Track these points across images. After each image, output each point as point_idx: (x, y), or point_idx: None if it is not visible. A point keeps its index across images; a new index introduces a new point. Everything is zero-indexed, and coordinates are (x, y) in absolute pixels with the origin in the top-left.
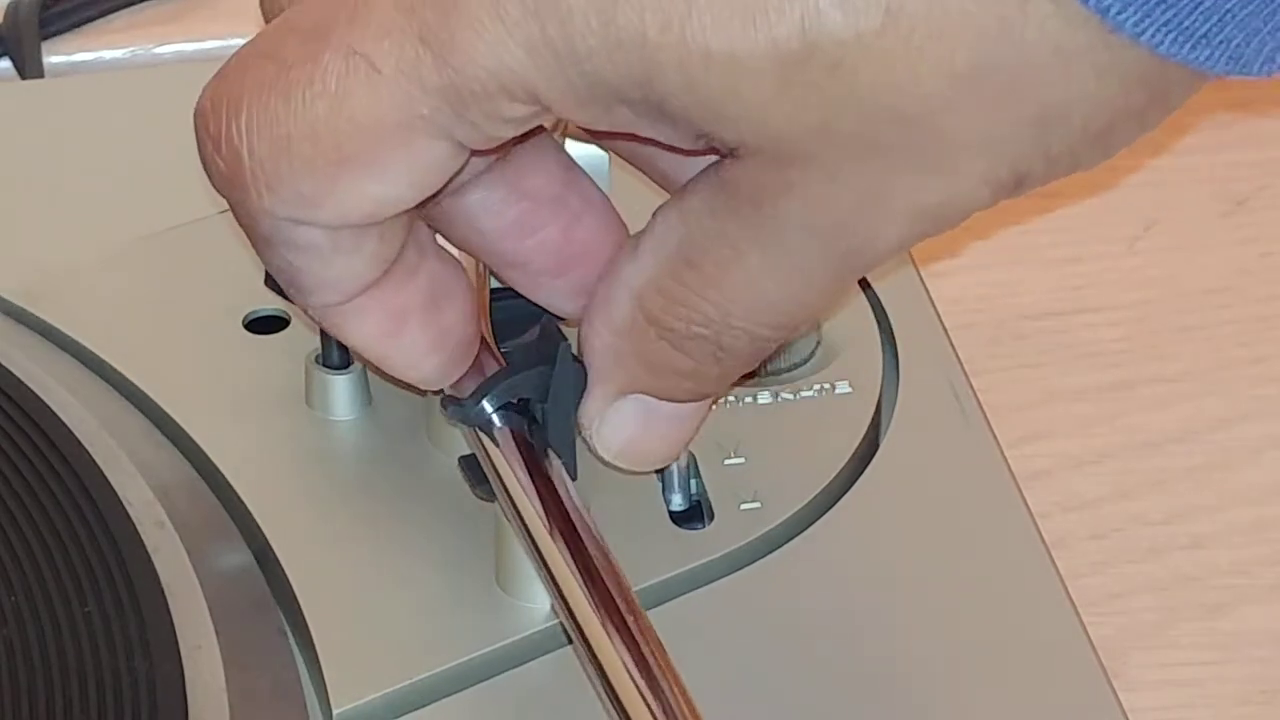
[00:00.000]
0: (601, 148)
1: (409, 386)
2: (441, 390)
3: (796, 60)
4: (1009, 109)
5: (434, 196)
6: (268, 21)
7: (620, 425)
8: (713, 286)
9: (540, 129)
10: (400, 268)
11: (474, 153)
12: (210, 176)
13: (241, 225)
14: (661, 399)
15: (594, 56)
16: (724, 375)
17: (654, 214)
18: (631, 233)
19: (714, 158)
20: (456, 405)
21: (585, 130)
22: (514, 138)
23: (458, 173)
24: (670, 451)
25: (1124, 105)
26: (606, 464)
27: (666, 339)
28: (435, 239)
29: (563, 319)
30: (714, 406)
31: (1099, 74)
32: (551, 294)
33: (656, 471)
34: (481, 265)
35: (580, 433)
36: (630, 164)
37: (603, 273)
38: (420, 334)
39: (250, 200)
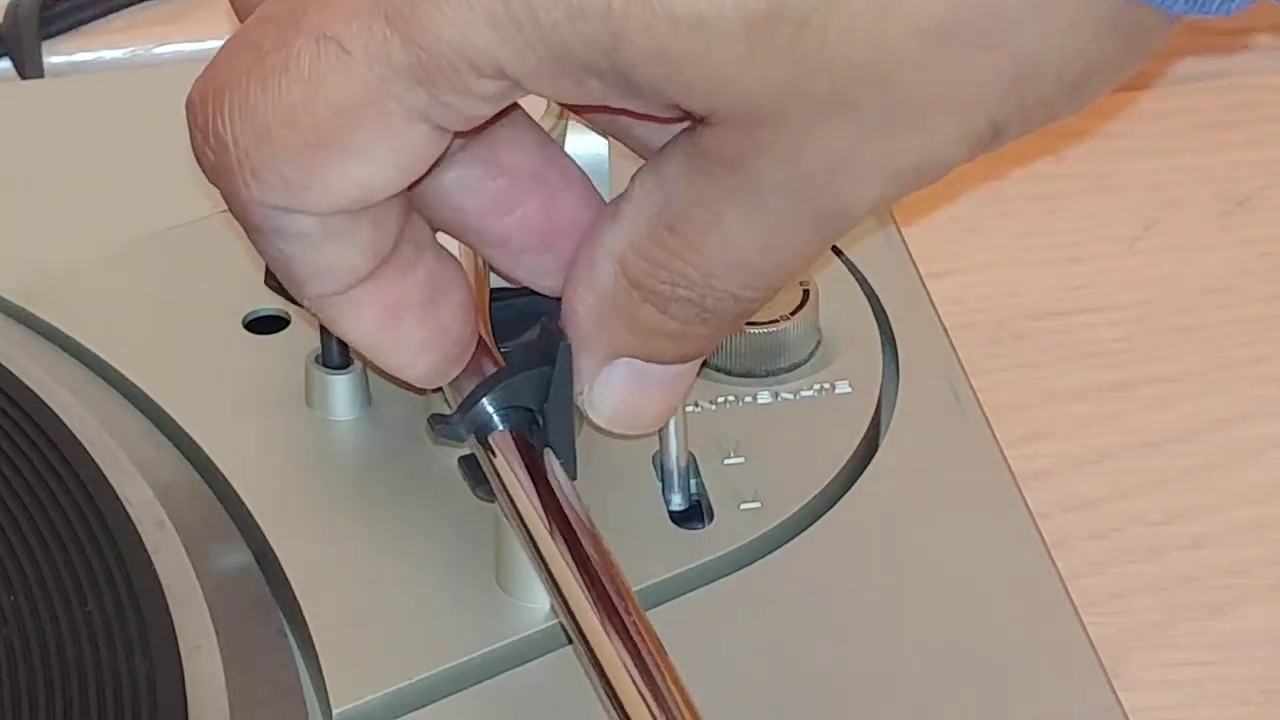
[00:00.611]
0: (578, 121)
1: (407, 385)
2: (440, 389)
3: (764, 20)
4: (982, 64)
5: (419, 181)
6: (240, 20)
7: (611, 390)
8: (694, 250)
9: (515, 107)
10: (397, 261)
11: (455, 135)
12: (201, 167)
13: (234, 215)
14: (649, 361)
15: (558, 28)
16: (711, 335)
17: (632, 178)
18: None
19: (688, 123)
20: (443, 424)
21: (564, 107)
22: (492, 116)
23: (441, 157)
24: (663, 413)
25: (1098, 53)
26: (602, 430)
27: (651, 302)
28: (434, 236)
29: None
30: (713, 404)
31: (1071, 23)
32: (533, 271)
33: (653, 457)
34: (481, 263)
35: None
36: (607, 134)
37: (583, 238)
38: (416, 330)
39: (238, 189)
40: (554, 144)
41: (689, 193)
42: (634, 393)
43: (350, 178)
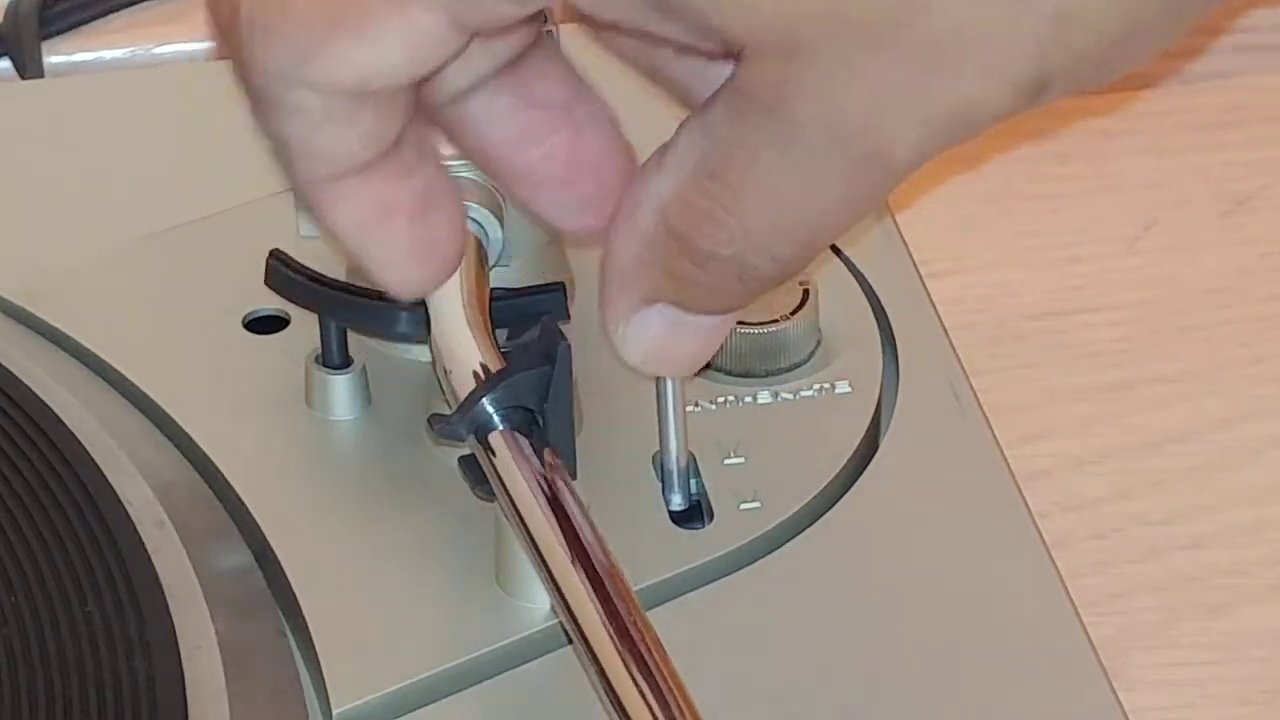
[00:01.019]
0: (621, 60)
1: (381, 297)
2: (441, 390)
3: None
4: (1026, 4)
5: (429, 82)
6: None
7: (644, 333)
8: (734, 199)
9: (549, 39)
10: (395, 161)
11: (475, 36)
12: (213, 25)
13: (237, 80)
14: (685, 310)
15: None
16: (747, 293)
17: (679, 127)
18: (635, 150)
19: (728, 63)
20: (443, 424)
21: (597, 27)
22: (516, 24)
23: (455, 57)
24: (694, 359)
25: (1135, 12)
26: (633, 369)
27: (689, 256)
28: (438, 150)
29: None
30: (713, 404)
31: None
32: (554, 207)
33: (653, 457)
34: (481, 264)
35: (608, 337)
36: (651, 80)
37: (629, 182)
38: (404, 234)
39: (244, 50)
40: (585, 80)
41: (729, 137)
42: (667, 338)
43: (360, 58)
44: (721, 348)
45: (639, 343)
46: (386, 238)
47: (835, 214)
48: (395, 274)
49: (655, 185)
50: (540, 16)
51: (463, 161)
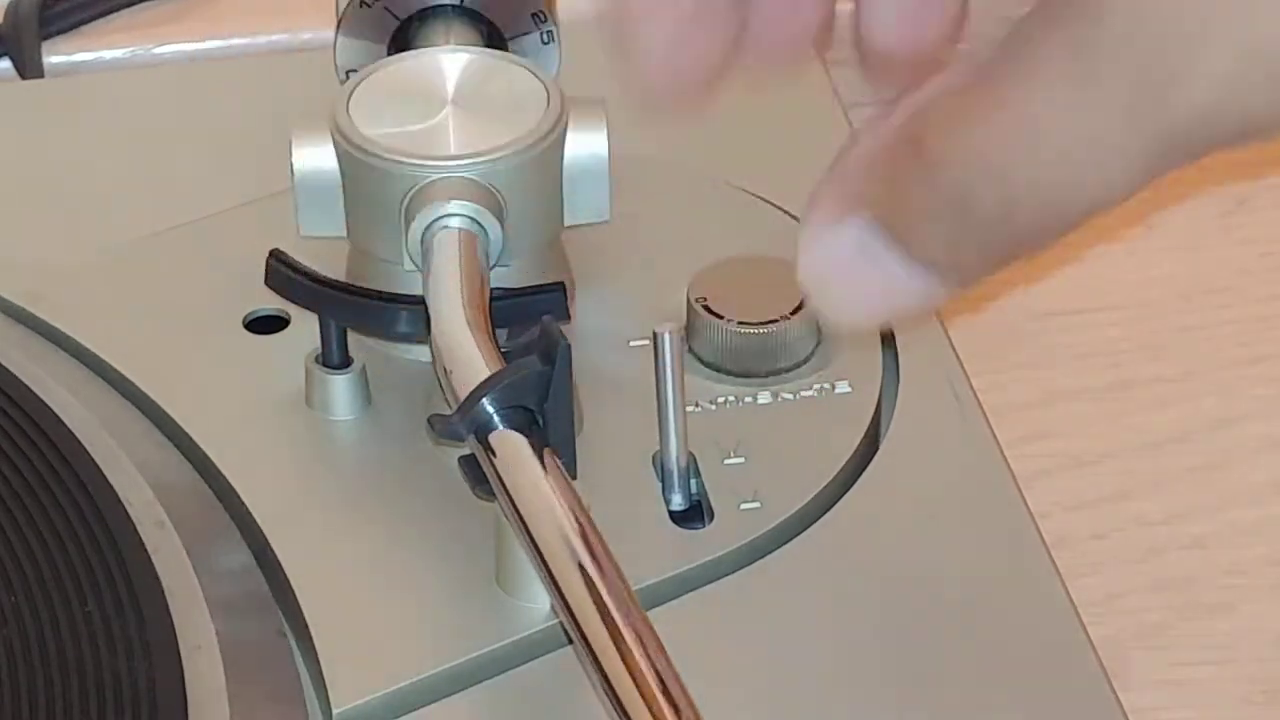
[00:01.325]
0: None
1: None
2: (440, 390)
3: None
4: None
5: None
6: None
7: (832, 248)
8: (997, 100)
9: None
10: None
11: None
12: None
13: None
14: (884, 235)
15: None
16: (955, 243)
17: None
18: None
19: None
20: (443, 424)
21: None
22: None
23: None
24: (857, 312)
25: None
26: (799, 281)
27: (919, 156)
28: None
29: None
30: (713, 404)
31: None
32: (874, 10)
33: (653, 457)
34: (481, 262)
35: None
36: None
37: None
38: (665, 32)
39: None
40: None
41: (1024, 34)
42: (848, 263)
43: None
44: (721, 347)
45: (819, 254)
46: (648, 27)
47: (1092, 165)
48: (640, 70)
49: (931, 84)
50: None
51: (464, 162)
